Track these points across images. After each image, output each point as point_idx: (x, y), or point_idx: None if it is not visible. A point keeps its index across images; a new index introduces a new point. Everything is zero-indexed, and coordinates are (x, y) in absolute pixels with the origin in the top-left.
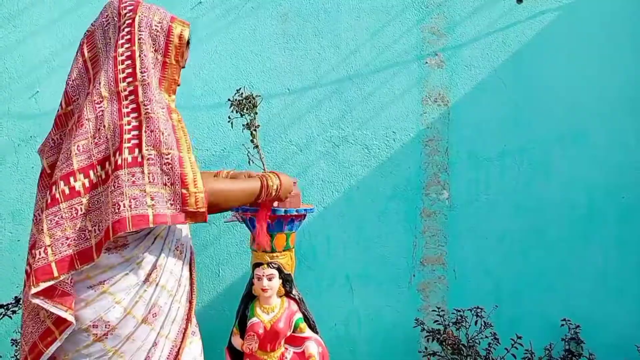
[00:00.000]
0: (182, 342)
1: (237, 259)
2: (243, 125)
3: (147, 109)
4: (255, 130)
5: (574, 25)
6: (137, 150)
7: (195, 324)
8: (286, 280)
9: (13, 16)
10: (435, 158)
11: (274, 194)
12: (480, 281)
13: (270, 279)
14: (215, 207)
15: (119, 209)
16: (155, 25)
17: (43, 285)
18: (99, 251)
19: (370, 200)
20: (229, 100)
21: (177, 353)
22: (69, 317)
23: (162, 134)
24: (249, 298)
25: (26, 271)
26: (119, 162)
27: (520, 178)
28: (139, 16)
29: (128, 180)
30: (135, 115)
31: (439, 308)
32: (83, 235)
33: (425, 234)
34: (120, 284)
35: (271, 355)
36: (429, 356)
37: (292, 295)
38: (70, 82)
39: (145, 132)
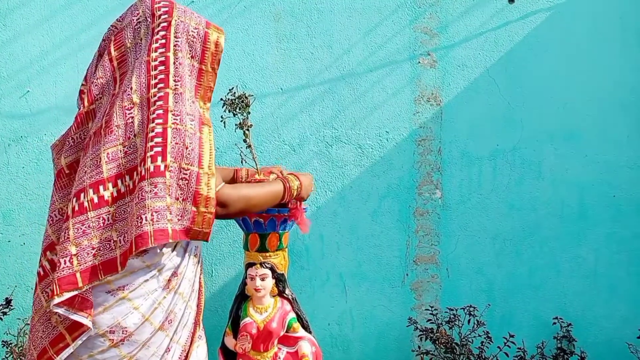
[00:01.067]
0: (190, 346)
1: (230, 259)
2: (236, 124)
3: (176, 119)
4: (248, 129)
5: (565, 25)
6: (159, 159)
7: (202, 328)
8: (279, 280)
9: (3, 15)
10: (428, 157)
11: (295, 194)
12: (473, 280)
13: (263, 279)
14: (243, 212)
15: (141, 222)
16: (192, 31)
17: (67, 295)
18: (124, 262)
19: (363, 199)
20: (221, 99)
21: (186, 357)
22: (89, 324)
23: (187, 148)
24: (242, 298)
25: (39, 274)
26: (143, 172)
27: (513, 177)
28: (175, 20)
29: (150, 191)
30: (160, 121)
31: (432, 307)
32: (108, 246)
33: (418, 233)
34: (139, 290)
35: (264, 356)
36: (422, 355)
37: (285, 295)
38: (95, 81)
39: (171, 142)
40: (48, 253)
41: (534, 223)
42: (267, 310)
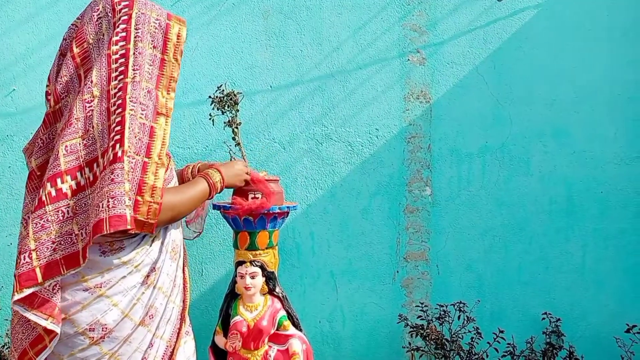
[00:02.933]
0: (176, 342)
1: (220, 258)
2: (224, 122)
3: (134, 106)
4: (237, 127)
5: (553, 22)
6: (118, 146)
7: (189, 324)
8: (269, 278)
9: None
10: (418, 155)
11: (220, 187)
12: (463, 276)
13: (253, 277)
14: (171, 221)
15: (98, 209)
16: (154, 22)
17: (27, 292)
18: (85, 255)
19: (353, 197)
20: (210, 97)
21: (172, 353)
22: (50, 326)
23: (135, 136)
24: (232, 296)
25: (15, 276)
26: (104, 162)
27: (501, 174)
28: (136, 12)
29: (108, 178)
30: (120, 111)
31: (422, 303)
32: (69, 239)
33: (409, 230)
34: (117, 287)
35: (255, 354)
36: (412, 351)
37: (275, 293)
38: (59, 80)
39: (129, 128)
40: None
41: (523, 219)
42: (257, 308)
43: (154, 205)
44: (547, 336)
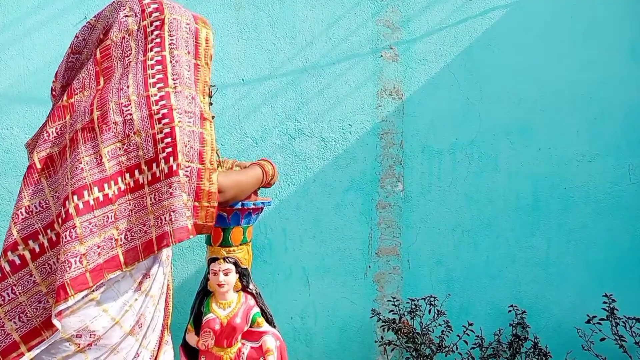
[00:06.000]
0: (158, 351)
1: (190, 254)
2: None
3: (180, 117)
4: None
5: (521, 22)
6: (172, 159)
7: (169, 332)
8: (243, 275)
9: None
10: (390, 151)
11: (270, 179)
12: (433, 271)
13: (226, 274)
14: (235, 198)
15: (161, 223)
16: (185, 27)
17: (79, 296)
18: (130, 260)
19: (326, 192)
20: None
21: None
22: (60, 325)
23: (185, 146)
24: (204, 294)
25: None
26: (157, 174)
27: (471, 170)
28: (168, 18)
29: (166, 192)
30: (167, 121)
31: (394, 298)
32: (110, 244)
33: (381, 225)
34: (110, 292)
35: (228, 351)
36: (384, 345)
37: (249, 290)
38: (77, 76)
39: (180, 141)
40: (9, 253)
41: (491, 214)
42: (230, 305)
43: (210, 209)
44: (514, 328)
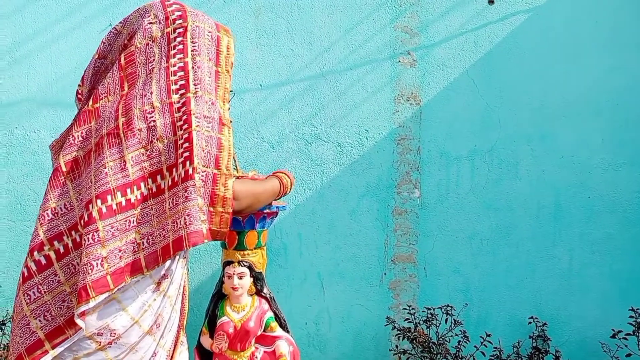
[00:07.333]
0: (173, 351)
1: (207, 257)
2: None
3: (199, 122)
4: None
5: (543, 27)
6: (188, 163)
7: (184, 333)
8: (257, 278)
9: None
10: (407, 157)
11: (287, 190)
12: (450, 279)
13: (241, 278)
14: (250, 207)
15: (177, 227)
16: (207, 34)
17: (100, 298)
18: (150, 265)
19: (342, 198)
20: None
21: None
22: (83, 324)
23: (203, 150)
24: (219, 297)
25: (23, 274)
26: (176, 178)
27: (490, 177)
28: (191, 25)
29: (182, 196)
30: (186, 126)
31: (409, 306)
32: (132, 248)
33: (397, 232)
34: (130, 292)
35: (241, 355)
36: (399, 355)
37: (263, 294)
38: (102, 81)
39: (197, 145)
40: (35, 253)
41: (511, 223)
42: (244, 309)
43: (225, 215)
44: (534, 340)
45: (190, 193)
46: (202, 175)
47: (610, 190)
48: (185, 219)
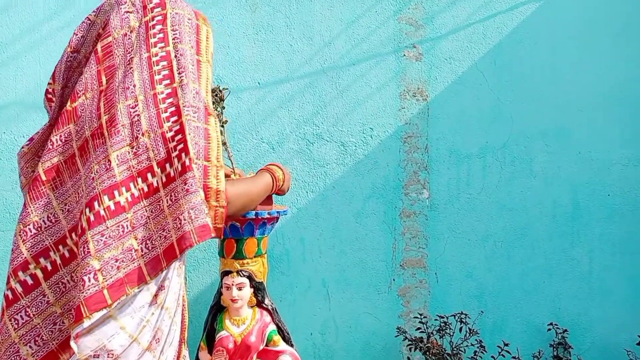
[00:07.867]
0: None
1: (205, 265)
2: None
3: (187, 111)
4: (222, 126)
5: (555, 16)
6: (184, 155)
7: (186, 347)
8: (258, 289)
9: None
10: (414, 155)
11: (280, 185)
12: (463, 285)
13: (240, 289)
14: (243, 209)
15: (180, 223)
16: (187, 22)
17: (96, 316)
18: (153, 271)
19: (346, 200)
20: None
21: None
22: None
23: (191, 141)
24: (218, 309)
25: (7, 298)
26: (172, 174)
27: (503, 176)
28: (170, 12)
29: (182, 189)
30: (175, 119)
31: (420, 314)
32: (130, 256)
33: (405, 235)
34: (126, 308)
35: None
36: None
37: (264, 306)
38: (79, 78)
39: (189, 135)
40: (20, 273)
41: (526, 224)
42: (244, 322)
43: (220, 209)
44: (554, 349)
45: (191, 185)
46: (199, 167)
47: (631, 187)
48: (189, 212)
